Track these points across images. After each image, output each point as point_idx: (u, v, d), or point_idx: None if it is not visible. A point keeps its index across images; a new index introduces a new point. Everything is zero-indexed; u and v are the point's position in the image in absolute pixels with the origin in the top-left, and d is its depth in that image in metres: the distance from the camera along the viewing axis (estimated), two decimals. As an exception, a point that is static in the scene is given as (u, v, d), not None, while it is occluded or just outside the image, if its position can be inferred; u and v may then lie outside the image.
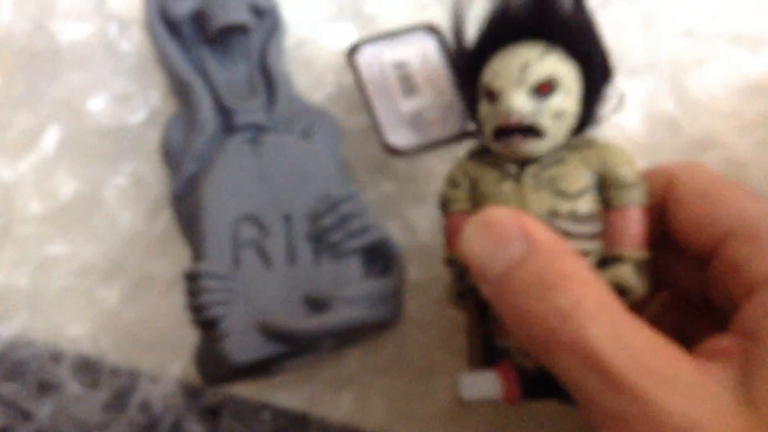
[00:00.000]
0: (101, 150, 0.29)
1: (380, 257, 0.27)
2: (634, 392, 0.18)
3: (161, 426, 0.29)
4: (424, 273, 0.29)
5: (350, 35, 0.31)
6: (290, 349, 0.25)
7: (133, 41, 0.29)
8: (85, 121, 0.29)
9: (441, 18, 0.30)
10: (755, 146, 0.29)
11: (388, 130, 0.27)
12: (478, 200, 0.24)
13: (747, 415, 0.17)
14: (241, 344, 0.25)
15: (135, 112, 0.29)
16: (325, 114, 0.29)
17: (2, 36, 0.30)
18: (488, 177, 0.23)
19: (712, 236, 0.22)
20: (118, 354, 0.29)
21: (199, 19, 0.28)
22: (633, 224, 0.22)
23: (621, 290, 0.21)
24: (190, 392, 0.29)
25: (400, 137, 0.27)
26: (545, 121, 0.22)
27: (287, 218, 0.26)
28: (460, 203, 0.24)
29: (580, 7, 0.22)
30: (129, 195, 0.29)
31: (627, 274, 0.22)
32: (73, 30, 0.29)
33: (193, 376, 0.27)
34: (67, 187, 0.29)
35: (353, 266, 0.26)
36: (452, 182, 0.24)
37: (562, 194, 0.22)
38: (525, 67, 0.22)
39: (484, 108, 0.23)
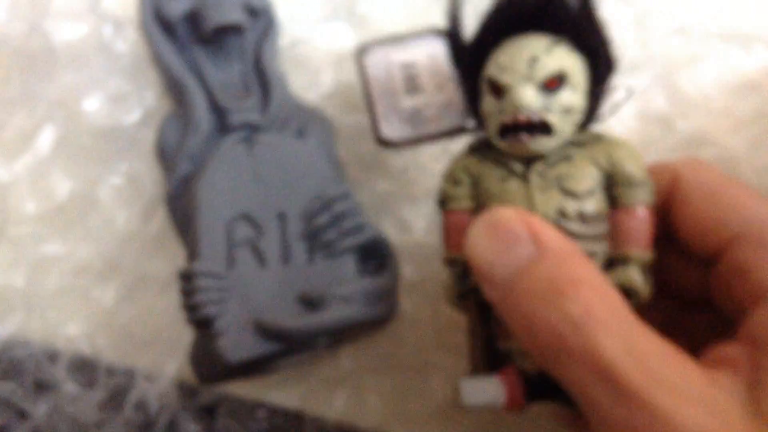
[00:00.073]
0: (96, 150, 0.30)
1: (374, 256, 0.27)
2: (645, 403, 0.17)
3: (157, 425, 0.29)
4: (418, 271, 0.30)
5: (344, 35, 0.31)
6: (285, 347, 0.25)
7: (127, 41, 0.29)
8: (80, 121, 0.29)
9: (435, 16, 0.30)
10: (748, 144, 0.29)
11: (385, 123, 0.27)
12: (481, 199, 0.23)
13: (756, 425, 0.17)
14: (236, 343, 0.25)
15: (130, 112, 0.29)
16: (319, 113, 0.29)
17: (-3, 37, 0.30)
18: (492, 175, 0.22)
19: (719, 239, 0.21)
20: (114, 353, 0.29)
21: (194, 19, 0.28)
22: (640, 224, 0.22)
23: (626, 292, 0.21)
24: (186, 391, 0.29)
25: (394, 130, 0.27)
26: (554, 118, 0.21)
27: (281, 217, 0.27)
28: (462, 201, 0.23)
29: None
30: (124, 195, 0.30)
31: (634, 276, 0.21)
32: (67, 30, 0.29)
33: (188, 374, 0.27)
34: (62, 187, 0.29)
35: (347, 265, 0.26)
36: (452, 179, 0.23)
37: (570, 194, 0.22)
38: (533, 61, 0.21)
39: (488, 103, 0.22)
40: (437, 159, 0.30)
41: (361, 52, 0.27)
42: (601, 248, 0.22)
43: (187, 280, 0.25)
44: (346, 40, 0.30)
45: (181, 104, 0.28)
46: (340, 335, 0.26)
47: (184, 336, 0.27)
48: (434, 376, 0.29)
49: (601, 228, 0.22)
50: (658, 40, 0.30)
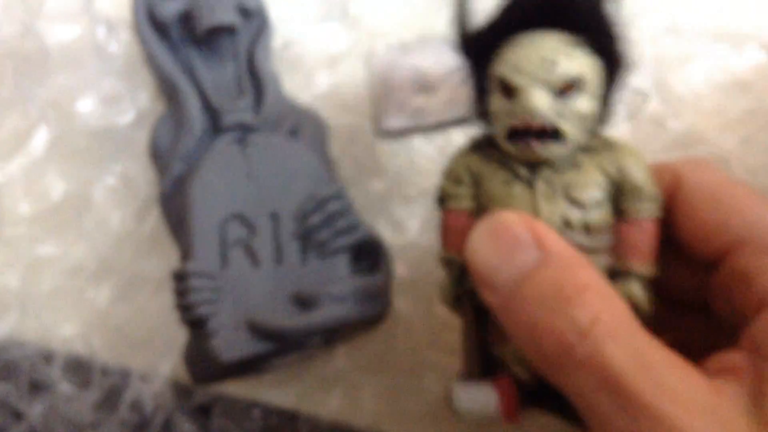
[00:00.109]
0: (90, 151, 0.30)
1: (368, 255, 0.27)
2: (651, 413, 0.17)
3: (152, 425, 0.29)
4: (412, 271, 0.30)
5: (338, 35, 0.31)
6: (278, 347, 0.25)
7: (121, 42, 0.30)
8: (74, 123, 0.29)
9: (430, 17, 0.31)
10: (739, 143, 0.29)
11: (387, 116, 0.27)
12: (483, 201, 0.22)
13: None
14: (229, 343, 0.25)
15: (124, 113, 0.30)
16: (313, 114, 0.29)
17: (-10, 38, 0.30)
18: (495, 176, 0.21)
19: (721, 243, 0.21)
20: (108, 353, 0.29)
21: (187, 20, 0.28)
22: (646, 238, 0.21)
23: None
24: (181, 391, 0.29)
25: (395, 121, 0.27)
26: (567, 125, 0.20)
27: (275, 217, 0.27)
28: (462, 200, 0.22)
29: None
30: (118, 195, 0.30)
31: (638, 291, 0.21)
32: (61, 32, 0.29)
33: (183, 374, 0.27)
34: (56, 187, 0.30)
35: (340, 264, 0.26)
36: (453, 177, 0.22)
37: (576, 203, 0.21)
38: (550, 64, 0.20)
39: (497, 103, 0.21)
40: (432, 159, 0.30)
41: (373, 54, 0.27)
42: (603, 261, 0.21)
43: (180, 280, 0.25)
44: (340, 40, 0.30)
45: (175, 105, 0.28)
46: (334, 335, 0.26)
47: (179, 336, 0.27)
48: (428, 375, 0.29)
49: (604, 240, 0.21)
50: (649, 39, 0.30)
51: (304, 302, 0.26)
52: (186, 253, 0.26)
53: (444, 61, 0.27)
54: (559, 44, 0.20)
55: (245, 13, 0.28)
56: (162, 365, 0.29)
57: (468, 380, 0.22)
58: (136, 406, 0.29)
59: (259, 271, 0.26)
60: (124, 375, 0.29)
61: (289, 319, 0.25)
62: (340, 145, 0.30)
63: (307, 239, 0.26)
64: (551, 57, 0.20)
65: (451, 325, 0.26)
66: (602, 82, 0.21)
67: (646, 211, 0.21)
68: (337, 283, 0.26)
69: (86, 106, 0.29)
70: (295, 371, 0.29)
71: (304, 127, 0.28)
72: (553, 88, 0.20)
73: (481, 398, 0.21)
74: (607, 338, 0.17)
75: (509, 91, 0.20)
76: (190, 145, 0.27)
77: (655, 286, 0.22)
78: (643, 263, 0.21)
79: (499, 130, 0.21)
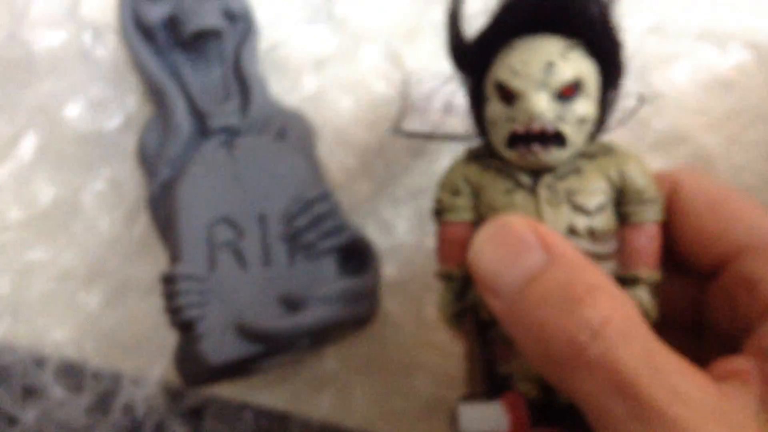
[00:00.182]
0: (79, 156, 0.30)
1: (355, 256, 0.28)
2: (664, 417, 0.16)
3: (145, 428, 0.29)
4: (401, 271, 0.30)
5: (324, 37, 0.31)
6: (267, 349, 0.25)
7: (107, 47, 0.30)
8: (61, 128, 0.29)
9: (416, 19, 0.31)
10: (723, 142, 0.29)
11: (407, 120, 0.27)
12: (483, 211, 0.21)
13: None
14: (218, 345, 0.25)
15: (111, 118, 0.30)
16: (300, 116, 0.29)
17: (-24, 46, 0.30)
18: (496, 186, 0.21)
19: (724, 249, 0.21)
20: (100, 357, 0.29)
21: (173, 24, 0.28)
22: (651, 242, 0.21)
23: None
24: (173, 394, 0.29)
25: (411, 125, 0.27)
26: (568, 128, 0.20)
27: (262, 220, 0.27)
28: (462, 212, 0.22)
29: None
30: (107, 199, 0.30)
31: (645, 298, 0.21)
32: (46, 38, 0.29)
33: (175, 377, 0.27)
34: (45, 193, 0.30)
35: (328, 266, 0.27)
36: (451, 188, 0.22)
37: (580, 209, 0.20)
38: (549, 67, 0.20)
39: (495, 109, 0.21)
40: (419, 158, 0.30)
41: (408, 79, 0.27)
42: (609, 267, 0.21)
43: (168, 283, 0.25)
44: (326, 43, 0.30)
45: (162, 109, 0.28)
46: (322, 336, 0.26)
47: (170, 339, 0.27)
48: (419, 374, 0.29)
49: (609, 246, 0.21)
50: (632, 39, 0.30)
51: (292, 304, 0.26)
52: (174, 257, 0.26)
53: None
54: (557, 47, 0.20)
55: (231, 16, 0.28)
56: (153, 368, 0.29)
57: (473, 400, 0.21)
58: (128, 409, 0.29)
59: (247, 274, 0.26)
60: (116, 379, 0.29)
61: (278, 321, 0.25)
62: (326, 147, 0.30)
63: (294, 241, 0.27)
64: (550, 60, 0.20)
65: (440, 325, 0.26)
66: (599, 85, 0.21)
67: (649, 214, 0.21)
68: (325, 285, 0.26)
69: (74, 111, 0.29)
70: (286, 373, 0.29)
71: (290, 129, 0.28)
72: (553, 91, 0.20)
73: (488, 417, 0.20)
74: (619, 339, 0.17)
75: (509, 96, 0.20)
76: (178, 149, 0.27)
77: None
78: (649, 269, 0.21)
79: (499, 138, 0.21)
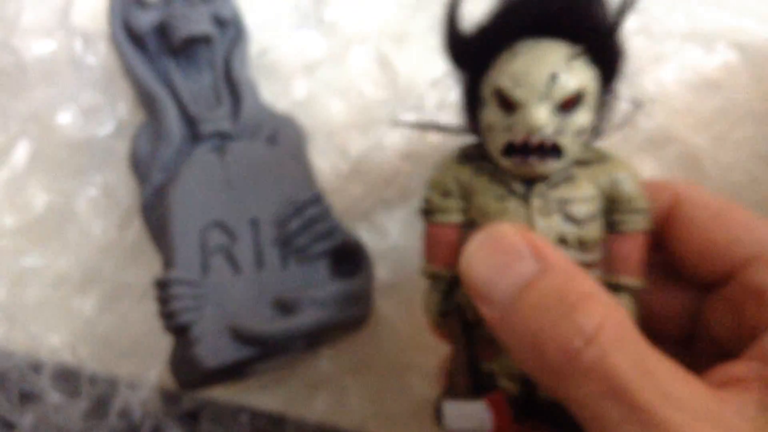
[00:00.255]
0: (71, 162, 0.30)
1: (348, 258, 0.28)
2: (656, 420, 0.17)
3: (141, 431, 0.29)
4: (394, 273, 0.30)
5: (314, 42, 0.31)
6: (261, 352, 0.25)
7: (98, 54, 0.30)
8: (54, 135, 0.30)
9: (402, 23, 0.31)
10: (710, 142, 0.29)
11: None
12: (473, 215, 0.21)
13: None
14: (213, 349, 0.25)
15: (103, 124, 0.30)
16: (290, 120, 0.29)
17: (-33, 56, 0.30)
18: (488, 191, 0.21)
19: (730, 260, 0.21)
20: (96, 362, 0.29)
21: (163, 31, 0.28)
22: (636, 251, 0.21)
23: None
24: (169, 397, 0.29)
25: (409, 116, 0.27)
26: (566, 140, 0.20)
27: (254, 224, 0.27)
28: (450, 214, 0.21)
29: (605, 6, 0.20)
30: (100, 206, 0.30)
31: (627, 305, 0.21)
32: (38, 46, 0.29)
33: (170, 381, 0.27)
34: (39, 199, 0.30)
35: (321, 268, 0.27)
36: (441, 189, 0.22)
37: (571, 219, 0.20)
38: (553, 79, 0.19)
39: (493, 115, 0.20)
40: (410, 161, 0.30)
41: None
42: (594, 274, 0.21)
43: (162, 288, 0.26)
44: (316, 47, 0.31)
45: (153, 115, 0.28)
46: (316, 338, 0.27)
47: (165, 343, 0.27)
48: (412, 375, 0.29)
49: (596, 255, 0.21)
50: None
51: (285, 307, 0.26)
52: (168, 262, 0.26)
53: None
54: (561, 56, 0.19)
55: (221, 22, 0.29)
56: (149, 372, 0.29)
57: (456, 398, 0.21)
58: (124, 413, 0.29)
59: (240, 278, 0.26)
60: (112, 383, 0.29)
61: (271, 324, 0.25)
62: (318, 151, 0.30)
63: (287, 244, 0.27)
64: (554, 71, 0.19)
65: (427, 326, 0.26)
66: (599, 93, 0.20)
67: (636, 223, 0.21)
68: (318, 288, 0.26)
69: (66, 118, 0.30)
70: (281, 375, 0.30)
71: (282, 133, 0.29)
72: (555, 103, 0.19)
73: (472, 415, 0.20)
74: (612, 345, 0.17)
75: (508, 104, 0.20)
76: (170, 155, 0.28)
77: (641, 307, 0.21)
78: (633, 277, 0.21)
79: (495, 145, 0.20)
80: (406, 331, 0.30)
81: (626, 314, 0.19)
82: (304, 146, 0.29)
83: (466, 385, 0.21)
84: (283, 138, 0.29)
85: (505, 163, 0.20)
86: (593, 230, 0.21)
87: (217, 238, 0.27)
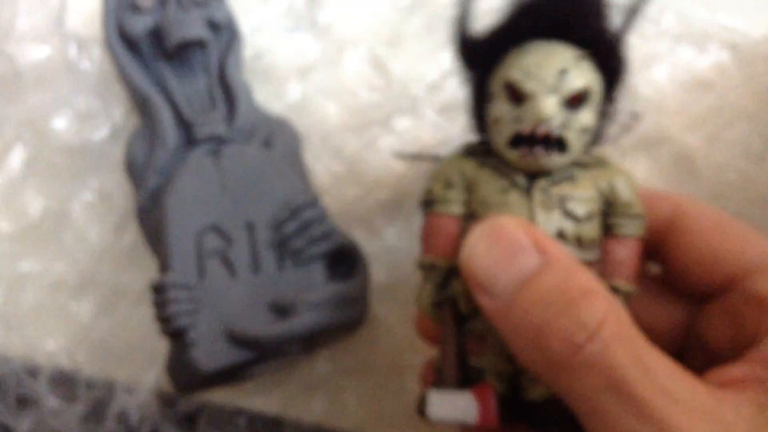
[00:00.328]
0: (67, 167, 0.30)
1: (344, 261, 0.28)
2: (656, 417, 0.17)
3: (139, 435, 0.29)
4: (391, 275, 0.30)
5: (308, 45, 0.31)
6: (258, 355, 0.25)
7: (93, 60, 0.30)
8: (49, 140, 0.30)
9: (396, 26, 0.31)
10: (704, 141, 0.29)
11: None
12: (476, 207, 0.21)
13: None
14: (209, 352, 0.25)
15: (98, 129, 0.30)
16: (285, 123, 0.29)
17: (-38, 62, 0.30)
18: (491, 184, 0.21)
19: (732, 270, 0.21)
20: (93, 366, 0.29)
21: (157, 35, 0.28)
22: (631, 256, 0.21)
23: None
24: (166, 401, 0.29)
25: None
26: (571, 135, 0.20)
27: (250, 227, 0.27)
28: (452, 205, 0.22)
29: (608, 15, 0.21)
30: (96, 210, 0.30)
31: None
32: (32, 52, 0.30)
33: (167, 384, 0.27)
34: (35, 204, 0.30)
35: (317, 271, 0.27)
36: (445, 181, 0.22)
37: (571, 216, 0.21)
38: (563, 73, 0.20)
39: (501, 108, 0.21)
40: (405, 163, 0.30)
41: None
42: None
43: (158, 292, 0.26)
44: (310, 50, 0.31)
45: (148, 119, 0.28)
46: (313, 341, 0.27)
47: (162, 347, 0.27)
48: (409, 377, 0.29)
49: (592, 255, 0.21)
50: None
51: (281, 310, 0.26)
52: (164, 266, 0.27)
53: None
54: (571, 56, 0.20)
55: (215, 26, 0.29)
56: (146, 376, 0.29)
57: (443, 388, 0.21)
58: (122, 417, 0.29)
59: (236, 281, 0.26)
60: (109, 387, 0.29)
61: (268, 327, 0.25)
62: (313, 154, 0.30)
63: (283, 247, 0.27)
64: (564, 67, 0.20)
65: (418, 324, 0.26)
66: (602, 97, 0.21)
67: (632, 228, 0.21)
68: (314, 290, 0.26)
69: (61, 123, 0.30)
70: (278, 377, 0.30)
71: (277, 136, 0.29)
72: (563, 97, 0.20)
73: (458, 405, 0.20)
74: (613, 340, 0.18)
75: (518, 96, 0.20)
76: (165, 159, 0.28)
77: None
78: (626, 281, 0.21)
79: (501, 137, 0.21)
80: (403, 333, 0.30)
81: (626, 311, 0.19)
82: (299, 149, 0.29)
83: (454, 377, 0.21)
84: (278, 141, 0.29)
85: (511, 155, 0.21)
86: (590, 229, 0.21)
87: (212, 241, 0.27)
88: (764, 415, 0.18)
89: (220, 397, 0.29)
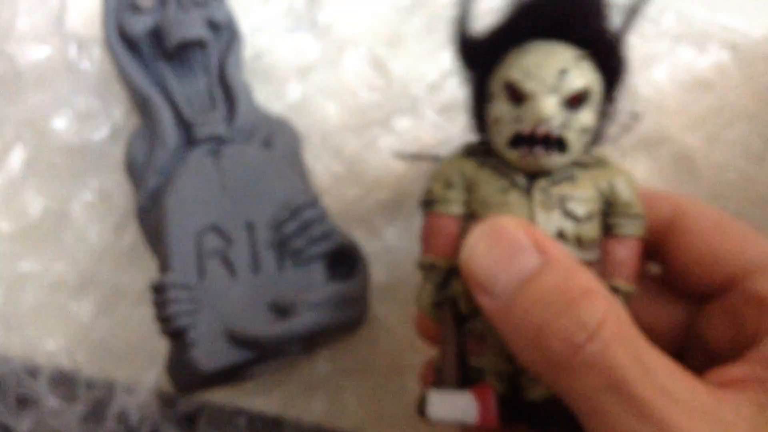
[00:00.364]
0: (67, 167, 0.30)
1: (344, 261, 0.28)
2: (656, 417, 0.17)
3: (139, 435, 0.29)
4: (391, 275, 0.30)
5: (308, 45, 0.31)
6: (258, 355, 0.25)
7: (93, 60, 0.30)
8: (49, 140, 0.30)
9: (396, 25, 0.31)
10: (704, 141, 0.29)
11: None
12: (476, 207, 0.21)
13: None
14: (209, 352, 0.25)
15: (98, 129, 0.30)
16: (285, 123, 0.29)
17: (-38, 62, 0.30)
18: (491, 184, 0.21)
19: (733, 269, 0.21)
20: (93, 366, 0.29)
21: (157, 35, 0.28)
22: (631, 256, 0.21)
23: None
24: (166, 401, 0.29)
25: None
26: (571, 135, 0.20)
27: (250, 227, 0.27)
28: (452, 205, 0.22)
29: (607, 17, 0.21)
30: (96, 210, 0.30)
31: None
32: (32, 52, 0.30)
33: (167, 384, 0.27)
34: (35, 204, 0.30)
35: (317, 271, 0.27)
36: (445, 181, 0.22)
37: (571, 216, 0.21)
38: (563, 73, 0.20)
39: (501, 108, 0.21)
40: (405, 163, 0.30)
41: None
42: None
43: (158, 292, 0.26)
44: (310, 50, 0.31)
45: (148, 119, 0.28)
46: (313, 341, 0.27)
47: (162, 347, 0.27)
48: (409, 377, 0.29)
49: (592, 255, 0.21)
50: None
51: (281, 310, 0.26)
52: (164, 266, 0.27)
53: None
54: (571, 56, 0.20)
55: (214, 26, 0.29)
56: (146, 376, 0.29)
57: (443, 388, 0.21)
58: (122, 417, 0.29)
59: (236, 281, 0.26)
60: (109, 387, 0.29)
61: (268, 327, 0.25)
62: (313, 154, 0.30)
63: (283, 247, 0.27)
64: (564, 67, 0.20)
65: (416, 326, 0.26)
66: (602, 98, 0.21)
67: (633, 229, 0.21)
68: (315, 290, 0.26)
69: (61, 123, 0.30)
70: (278, 377, 0.30)
71: (277, 136, 0.29)
72: (563, 97, 0.20)
73: (458, 405, 0.20)
74: (613, 340, 0.18)
75: (518, 96, 0.20)
76: (165, 159, 0.28)
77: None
78: (626, 281, 0.21)
79: (502, 137, 0.21)
80: (403, 333, 0.30)
81: (626, 311, 0.19)
82: (299, 149, 0.29)
83: (454, 377, 0.21)
84: (278, 141, 0.29)
85: (511, 155, 0.21)
86: (590, 229, 0.21)
87: (212, 241, 0.27)
88: (764, 415, 0.18)
89: (220, 397, 0.29)
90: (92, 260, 0.30)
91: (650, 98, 0.30)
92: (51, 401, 0.29)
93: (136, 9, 0.28)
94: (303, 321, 0.25)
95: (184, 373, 0.26)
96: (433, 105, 0.31)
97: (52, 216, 0.30)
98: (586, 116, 0.20)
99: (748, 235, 0.22)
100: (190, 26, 0.28)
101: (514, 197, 0.21)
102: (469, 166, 0.22)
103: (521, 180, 0.21)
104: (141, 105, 0.28)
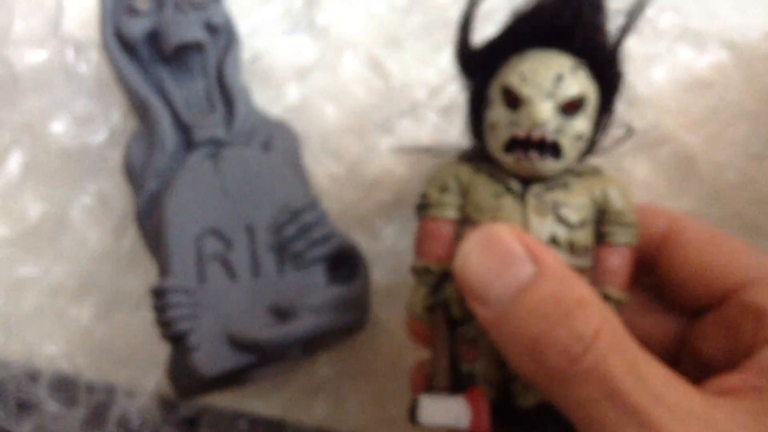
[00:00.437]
0: (65, 171, 0.30)
1: (344, 264, 0.28)
2: (653, 425, 0.17)
3: (140, 439, 0.29)
4: (390, 277, 0.30)
5: (306, 47, 0.31)
6: (258, 358, 0.25)
7: (90, 63, 0.30)
8: (47, 144, 0.30)
9: (393, 27, 0.31)
10: (703, 141, 0.29)
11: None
12: (470, 212, 0.22)
13: None
14: (210, 357, 0.25)
15: (96, 133, 0.30)
16: (284, 125, 0.29)
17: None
18: (486, 188, 0.21)
19: (726, 282, 0.22)
20: (93, 371, 0.29)
21: (155, 38, 0.28)
22: (623, 265, 0.22)
23: None
24: (167, 405, 0.29)
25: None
26: (566, 141, 0.21)
27: (250, 230, 0.27)
28: (447, 210, 0.22)
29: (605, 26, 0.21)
30: (95, 214, 0.30)
31: None
32: (29, 56, 0.29)
33: (168, 388, 0.27)
34: (33, 209, 0.30)
35: (317, 274, 0.27)
36: (440, 185, 0.22)
37: (564, 222, 0.21)
38: (559, 79, 0.20)
39: (498, 113, 0.21)
40: (405, 165, 0.30)
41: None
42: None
43: (158, 296, 0.26)
44: (308, 52, 0.31)
45: (147, 123, 0.28)
46: (313, 344, 0.27)
47: (162, 350, 0.27)
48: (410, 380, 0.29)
49: (584, 262, 0.21)
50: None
51: (282, 313, 0.26)
52: (163, 270, 0.26)
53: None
54: (567, 63, 0.21)
55: (212, 29, 0.28)
56: (146, 380, 0.29)
57: (435, 393, 0.21)
58: (122, 421, 0.29)
59: (236, 285, 0.26)
60: (110, 391, 0.29)
61: (268, 331, 0.25)
62: (312, 156, 0.30)
63: (283, 251, 0.27)
64: (560, 73, 0.20)
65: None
66: (597, 106, 0.21)
67: (625, 237, 0.22)
68: (315, 293, 0.26)
69: (59, 127, 0.30)
70: (279, 381, 0.30)
71: (276, 139, 0.29)
72: (558, 103, 0.20)
73: (450, 412, 0.20)
74: (609, 350, 0.18)
75: (514, 101, 0.21)
76: (164, 162, 0.27)
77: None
78: (617, 290, 0.21)
79: (498, 141, 0.21)
80: (404, 336, 0.29)
81: (619, 321, 0.19)
82: (299, 151, 0.29)
83: (445, 382, 0.21)
84: (278, 144, 0.29)
85: (506, 159, 0.21)
86: (583, 236, 0.21)
87: (212, 245, 0.27)
88: (760, 422, 0.18)
89: (221, 400, 0.29)
90: (92, 264, 0.30)
91: (650, 98, 0.30)
92: (51, 406, 0.29)
93: (133, 12, 0.28)
94: (304, 324, 0.25)
95: (184, 377, 0.26)
96: (432, 107, 0.31)
97: (51, 220, 0.30)
98: (581, 123, 0.21)
99: (741, 249, 0.22)
100: (187, 29, 0.27)
101: (508, 202, 0.21)
102: (465, 171, 0.22)
103: (516, 185, 0.21)
104: (139, 108, 0.28)
